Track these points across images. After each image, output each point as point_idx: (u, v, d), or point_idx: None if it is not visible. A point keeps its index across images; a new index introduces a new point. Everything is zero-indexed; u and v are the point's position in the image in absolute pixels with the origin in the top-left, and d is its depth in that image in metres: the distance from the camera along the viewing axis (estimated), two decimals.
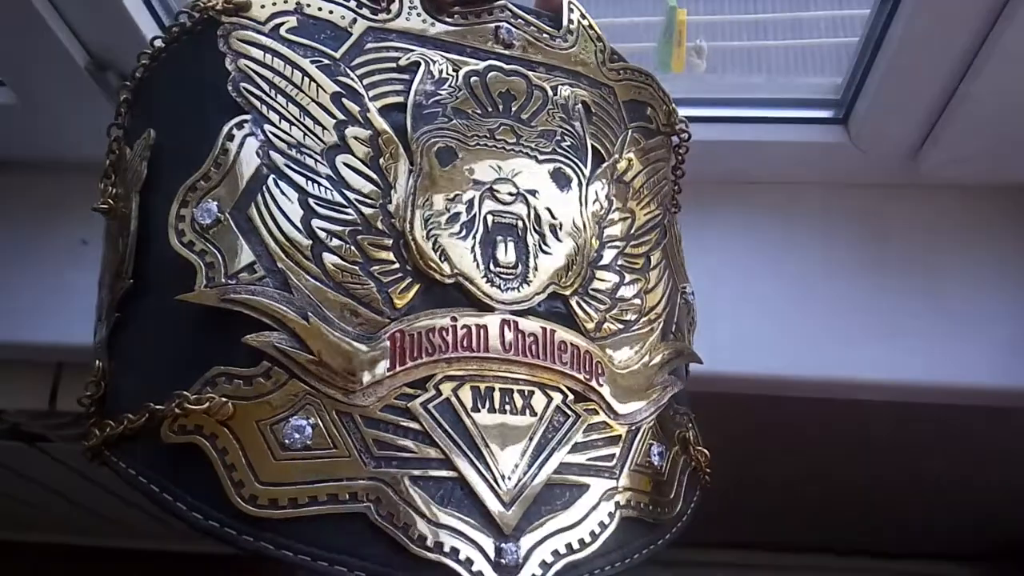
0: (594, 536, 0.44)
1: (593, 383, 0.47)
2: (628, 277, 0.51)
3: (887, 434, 0.90)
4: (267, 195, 0.44)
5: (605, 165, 0.52)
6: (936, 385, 0.73)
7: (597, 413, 0.46)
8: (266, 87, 0.46)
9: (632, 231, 0.52)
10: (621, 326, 0.49)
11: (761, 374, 0.70)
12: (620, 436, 0.47)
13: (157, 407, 0.40)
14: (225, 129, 0.45)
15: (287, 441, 0.40)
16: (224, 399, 0.40)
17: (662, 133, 0.58)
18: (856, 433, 0.90)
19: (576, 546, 0.43)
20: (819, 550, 1.26)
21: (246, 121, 0.45)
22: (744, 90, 0.61)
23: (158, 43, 0.49)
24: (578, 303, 0.48)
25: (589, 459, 0.45)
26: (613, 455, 0.47)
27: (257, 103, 0.45)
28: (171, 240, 0.43)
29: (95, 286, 0.49)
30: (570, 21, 0.54)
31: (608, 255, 0.50)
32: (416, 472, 0.41)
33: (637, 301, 0.51)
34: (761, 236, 0.68)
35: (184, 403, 0.40)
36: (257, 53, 0.46)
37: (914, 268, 0.75)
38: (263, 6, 0.47)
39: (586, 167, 0.50)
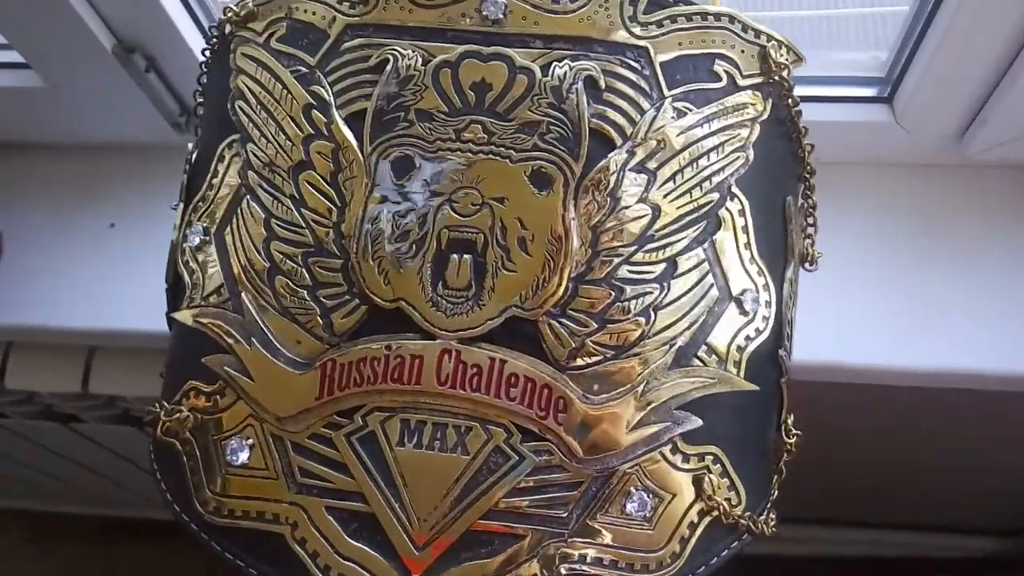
0: None
1: (549, 421, 0.42)
2: (631, 291, 0.43)
3: (930, 418, 0.92)
4: (240, 217, 0.46)
5: (613, 154, 0.43)
6: (981, 372, 0.68)
7: (551, 454, 0.42)
8: (254, 103, 0.47)
9: (650, 232, 0.43)
10: (609, 352, 0.42)
11: (804, 361, 0.64)
12: (580, 482, 0.42)
13: (153, 410, 0.47)
14: (218, 150, 0.48)
15: (228, 458, 0.44)
16: (189, 412, 0.45)
17: (744, 87, 0.45)
18: (898, 417, 0.92)
19: None
20: (849, 524, 1.30)
21: (235, 141, 0.47)
22: None
23: (204, 56, 0.52)
24: (550, 327, 0.42)
25: (532, 505, 0.41)
26: (567, 503, 0.42)
27: (246, 121, 0.47)
28: (177, 259, 0.48)
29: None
30: None
31: (602, 266, 0.43)
32: (332, 502, 0.42)
33: (639, 319, 0.43)
34: None
35: (163, 413, 0.46)
36: (251, 68, 0.47)
37: (961, 250, 0.72)
38: (263, 15, 0.48)
39: (578, 162, 0.42)
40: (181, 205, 0.50)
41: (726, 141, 0.45)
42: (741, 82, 0.45)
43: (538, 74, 0.43)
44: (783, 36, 0.47)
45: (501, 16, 0.44)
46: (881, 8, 0.81)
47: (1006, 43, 0.63)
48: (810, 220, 0.53)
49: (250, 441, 0.44)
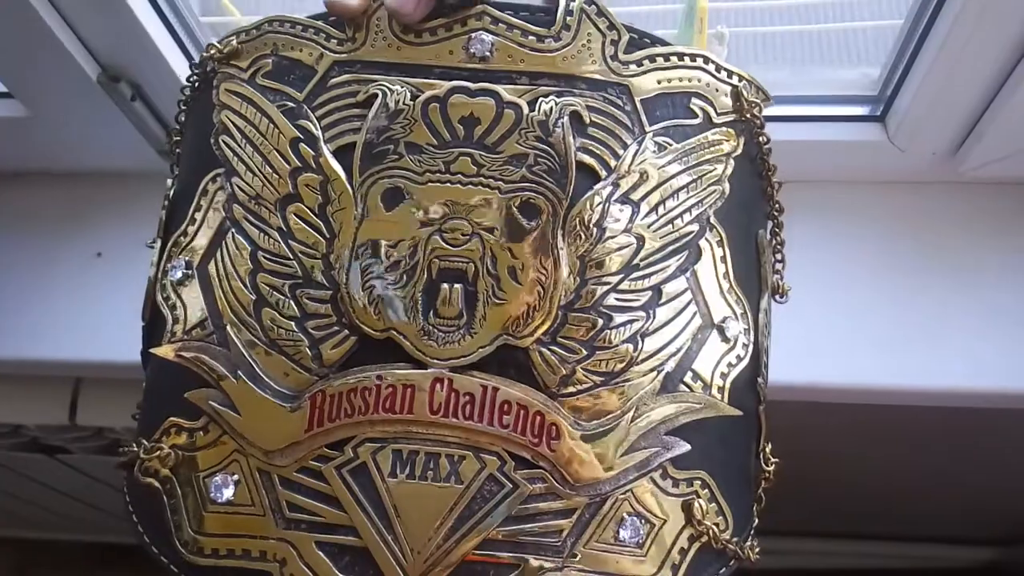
0: None
1: (542, 448, 0.42)
2: (619, 319, 0.43)
3: (924, 436, 0.93)
4: (224, 250, 0.46)
5: (599, 185, 0.44)
6: (979, 390, 0.69)
7: (544, 482, 0.42)
8: (239, 137, 0.47)
9: (635, 261, 0.44)
10: (599, 379, 0.43)
11: (795, 382, 0.65)
12: (574, 509, 0.42)
13: (132, 449, 0.45)
14: (202, 184, 0.47)
15: (213, 495, 0.43)
16: (170, 450, 0.44)
17: (718, 125, 0.47)
18: (893, 435, 0.93)
19: None
20: (839, 535, 1.31)
21: (219, 174, 0.47)
22: (775, 87, 0.49)
23: (185, 93, 0.52)
24: (541, 354, 0.43)
25: (526, 534, 0.41)
26: (561, 530, 0.41)
27: (231, 155, 0.47)
28: (156, 294, 0.47)
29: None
30: (568, 13, 0.46)
31: (590, 294, 0.43)
32: (322, 537, 0.41)
33: (627, 346, 0.43)
34: (792, 237, 0.55)
35: (142, 451, 0.44)
36: (236, 103, 0.47)
37: (954, 268, 0.73)
38: (248, 52, 0.48)
39: (565, 193, 0.44)
40: (159, 242, 0.50)
41: (704, 175, 0.46)
42: (716, 119, 0.47)
43: (525, 109, 0.44)
44: (752, 76, 0.49)
45: (487, 54, 0.45)
46: (869, 23, 0.83)
47: (1001, 59, 0.64)
48: (779, 256, 0.55)
49: (235, 477, 0.43)
